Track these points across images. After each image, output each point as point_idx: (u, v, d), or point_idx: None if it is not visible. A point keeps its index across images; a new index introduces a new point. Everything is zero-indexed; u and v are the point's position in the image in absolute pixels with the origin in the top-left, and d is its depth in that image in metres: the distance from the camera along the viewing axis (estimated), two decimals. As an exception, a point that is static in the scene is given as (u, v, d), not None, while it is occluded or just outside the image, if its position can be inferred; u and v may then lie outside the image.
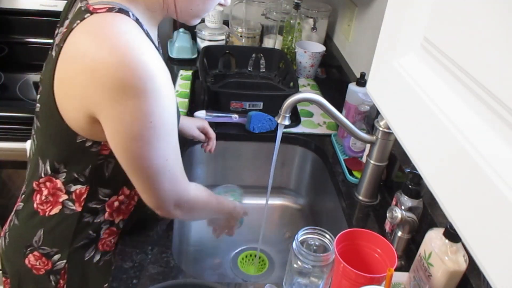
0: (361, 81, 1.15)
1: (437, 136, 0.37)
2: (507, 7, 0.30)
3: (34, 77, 1.50)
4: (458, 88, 0.36)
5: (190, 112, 1.29)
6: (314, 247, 0.75)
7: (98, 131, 0.70)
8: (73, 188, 0.78)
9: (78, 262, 0.84)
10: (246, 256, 1.18)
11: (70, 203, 0.80)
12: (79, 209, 0.80)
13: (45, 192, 0.80)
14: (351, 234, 0.78)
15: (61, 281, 0.85)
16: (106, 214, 0.83)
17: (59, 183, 0.78)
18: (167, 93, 0.67)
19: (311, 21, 1.70)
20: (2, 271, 0.93)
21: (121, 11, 0.67)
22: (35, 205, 0.81)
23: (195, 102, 1.39)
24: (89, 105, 0.66)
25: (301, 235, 0.74)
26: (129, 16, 0.67)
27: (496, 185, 0.29)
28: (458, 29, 0.36)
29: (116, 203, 0.83)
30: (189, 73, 1.56)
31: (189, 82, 1.50)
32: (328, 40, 1.82)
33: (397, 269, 0.72)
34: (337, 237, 0.75)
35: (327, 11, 1.72)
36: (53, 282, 0.85)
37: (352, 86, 1.17)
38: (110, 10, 0.66)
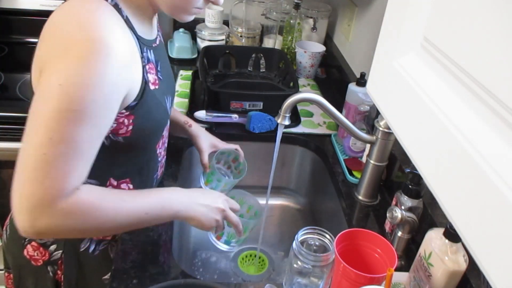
0: (361, 81, 1.15)
1: (437, 136, 0.37)
2: (507, 7, 0.30)
3: (34, 77, 1.50)
4: (458, 88, 0.36)
5: (190, 112, 1.29)
6: (314, 247, 0.75)
7: None
8: None
9: (73, 253, 0.85)
10: (246, 256, 1.18)
11: None
12: None
13: None
14: (351, 234, 0.78)
15: (59, 272, 0.86)
16: None
17: None
18: (102, 79, 0.61)
19: (311, 21, 1.70)
20: (5, 265, 0.94)
21: None
22: None
23: (195, 102, 1.39)
24: (40, 66, 0.64)
25: (301, 235, 0.74)
26: (106, 0, 0.67)
27: (496, 185, 0.29)
28: (458, 29, 0.36)
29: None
30: (189, 73, 1.56)
31: (189, 82, 1.50)
32: (328, 40, 1.82)
33: (397, 269, 0.72)
34: (337, 237, 0.75)
35: (327, 11, 1.72)
36: (51, 273, 0.85)
37: (352, 86, 1.17)
38: None
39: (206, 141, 1.07)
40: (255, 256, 1.17)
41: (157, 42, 0.83)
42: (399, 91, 0.44)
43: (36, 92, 0.62)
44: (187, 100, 1.38)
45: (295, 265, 0.73)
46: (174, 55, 1.65)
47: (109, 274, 0.89)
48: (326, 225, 1.15)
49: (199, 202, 0.79)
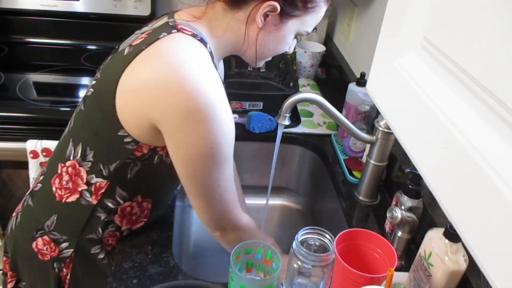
0: (361, 81, 1.15)
1: (437, 136, 0.37)
2: (507, 7, 0.30)
3: (34, 77, 1.50)
4: (458, 88, 0.36)
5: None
6: (314, 247, 0.75)
7: (154, 137, 0.74)
8: (94, 180, 0.79)
9: (85, 254, 0.85)
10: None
11: (87, 194, 0.80)
12: (95, 202, 0.81)
13: (65, 177, 0.81)
14: (351, 234, 0.78)
15: (65, 270, 0.85)
16: (117, 216, 0.84)
17: (82, 171, 0.79)
18: (229, 123, 0.72)
19: (311, 21, 1.69)
20: (4, 250, 0.93)
21: (202, 41, 0.74)
22: (53, 189, 0.82)
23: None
24: (153, 117, 0.71)
25: (301, 235, 0.74)
26: (206, 47, 0.74)
27: (496, 184, 0.29)
28: (458, 29, 0.36)
29: (128, 209, 0.84)
30: (189, 73, 1.56)
31: (189, 82, 1.49)
32: (328, 40, 1.82)
33: (397, 269, 0.72)
34: (337, 237, 0.75)
35: (327, 11, 1.71)
36: (56, 270, 0.85)
37: (352, 86, 1.17)
38: (194, 36, 0.73)
39: None
40: None
41: None
42: (399, 91, 0.44)
43: (183, 156, 0.73)
44: (187, 100, 1.38)
45: (295, 265, 0.72)
46: (174, 55, 1.65)
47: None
48: (326, 225, 1.15)
49: None
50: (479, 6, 0.33)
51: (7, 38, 1.70)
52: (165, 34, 0.72)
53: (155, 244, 0.88)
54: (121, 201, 0.82)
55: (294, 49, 1.62)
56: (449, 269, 0.69)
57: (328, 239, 0.74)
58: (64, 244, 0.84)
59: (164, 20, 0.78)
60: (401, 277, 0.81)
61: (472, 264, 0.70)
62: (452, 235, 0.69)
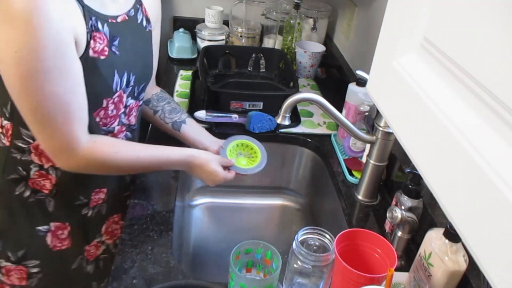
0: (361, 81, 1.15)
1: (437, 136, 0.37)
2: (507, 7, 0.30)
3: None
4: (458, 88, 0.36)
5: (190, 112, 1.29)
6: (314, 247, 0.75)
7: None
8: (4, 122, 0.82)
9: (7, 195, 0.87)
10: (234, 147, 1.08)
11: (2, 136, 0.83)
12: (8, 144, 0.83)
13: None
14: (351, 234, 0.78)
15: None
16: (33, 155, 0.85)
17: None
18: (50, 33, 0.67)
19: (311, 21, 1.70)
20: None
21: None
22: None
23: (195, 102, 1.39)
24: None
25: (301, 235, 0.74)
26: None
27: (496, 184, 0.29)
28: (458, 29, 0.36)
29: (41, 147, 0.84)
30: (189, 73, 1.56)
31: (189, 82, 1.50)
32: (328, 40, 1.82)
33: (397, 269, 0.72)
34: (337, 237, 0.75)
35: (327, 11, 1.72)
36: None
37: (352, 86, 1.17)
38: None
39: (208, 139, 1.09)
40: (246, 146, 1.09)
41: (120, 20, 0.83)
42: (399, 91, 0.44)
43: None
44: (187, 100, 1.38)
45: (295, 265, 0.73)
46: (174, 55, 1.65)
47: (45, 226, 0.92)
48: (326, 225, 1.15)
49: (199, 177, 0.97)
50: (479, 6, 0.33)
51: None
52: None
53: (155, 244, 0.88)
54: (30, 140, 0.83)
55: (294, 49, 1.63)
56: (449, 269, 0.69)
57: (328, 239, 0.74)
58: None
59: None
60: (401, 277, 0.81)
61: (472, 264, 0.70)
62: (452, 235, 0.69)
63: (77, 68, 0.74)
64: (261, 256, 0.77)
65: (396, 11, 0.46)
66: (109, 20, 0.81)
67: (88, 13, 0.75)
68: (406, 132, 0.43)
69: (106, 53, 0.80)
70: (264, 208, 1.30)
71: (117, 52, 0.82)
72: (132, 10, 0.87)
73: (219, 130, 1.24)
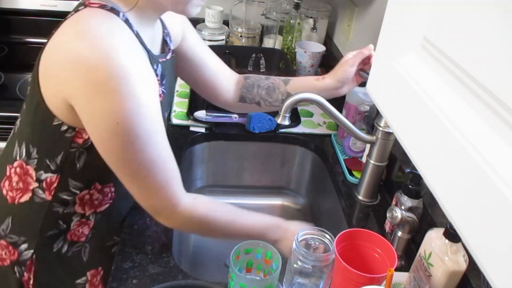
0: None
1: (437, 136, 0.37)
2: (507, 7, 0.30)
3: (34, 77, 1.50)
4: (458, 88, 0.36)
5: (190, 112, 1.29)
6: (314, 247, 0.75)
7: (75, 116, 0.70)
8: (43, 176, 0.77)
9: (46, 253, 0.82)
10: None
11: (40, 191, 0.78)
12: (49, 198, 0.79)
13: (15, 178, 0.79)
14: (351, 234, 0.78)
15: (26, 274, 0.82)
16: (77, 206, 0.81)
17: (30, 169, 0.77)
18: (142, 96, 0.68)
19: (311, 21, 1.69)
20: None
21: (112, 10, 0.69)
22: (4, 192, 0.80)
23: (195, 102, 1.39)
24: (66, 93, 0.68)
25: (301, 235, 0.74)
26: (118, 16, 0.69)
27: (496, 185, 0.29)
28: (458, 29, 0.36)
29: (87, 197, 0.81)
30: (189, 73, 1.56)
31: (189, 82, 1.49)
32: (328, 40, 1.82)
33: (397, 269, 0.72)
34: (337, 237, 0.75)
35: (327, 11, 1.72)
36: (17, 274, 0.82)
37: (352, 86, 1.17)
38: (102, 7, 0.69)
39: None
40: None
41: (166, 58, 0.84)
42: (399, 91, 0.44)
43: (95, 131, 0.70)
44: (187, 100, 1.38)
45: (295, 265, 0.72)
46: (174, 55, 1.65)
47: (83, 278, 0.88)
48: (326, 225, 1.15)
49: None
50: (479, 6, 0.33)
51: (7, 38, 1.70)
52: (73, 13, 0.70)
53: (155, 244, 0.88)
54: (77, 191, 0.80)
55: (294, 49, 1.63)
56: (449, 269, 0.69)
57: (328, 239, 0.74)
58: (23, 246, 0.81)
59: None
60: (401, 277, 0.81)
61: (472, 264, 0.70)
62: (452, 235, 0.69)
63: (163, 122, 0.75)
64: (261, 256, 0.77)
65: (396, 11, 0.46)
66: (160, 60, 0.81)
67: (151, 59, 0.76)
68: (406, 132, 0.43)
69: (162, 94, 0.80)
70: (264, 208, 1.30)
71: (165, 91, 0.82)
72: (166, 46, 0.86)
73: (219, 130, 1.24)
